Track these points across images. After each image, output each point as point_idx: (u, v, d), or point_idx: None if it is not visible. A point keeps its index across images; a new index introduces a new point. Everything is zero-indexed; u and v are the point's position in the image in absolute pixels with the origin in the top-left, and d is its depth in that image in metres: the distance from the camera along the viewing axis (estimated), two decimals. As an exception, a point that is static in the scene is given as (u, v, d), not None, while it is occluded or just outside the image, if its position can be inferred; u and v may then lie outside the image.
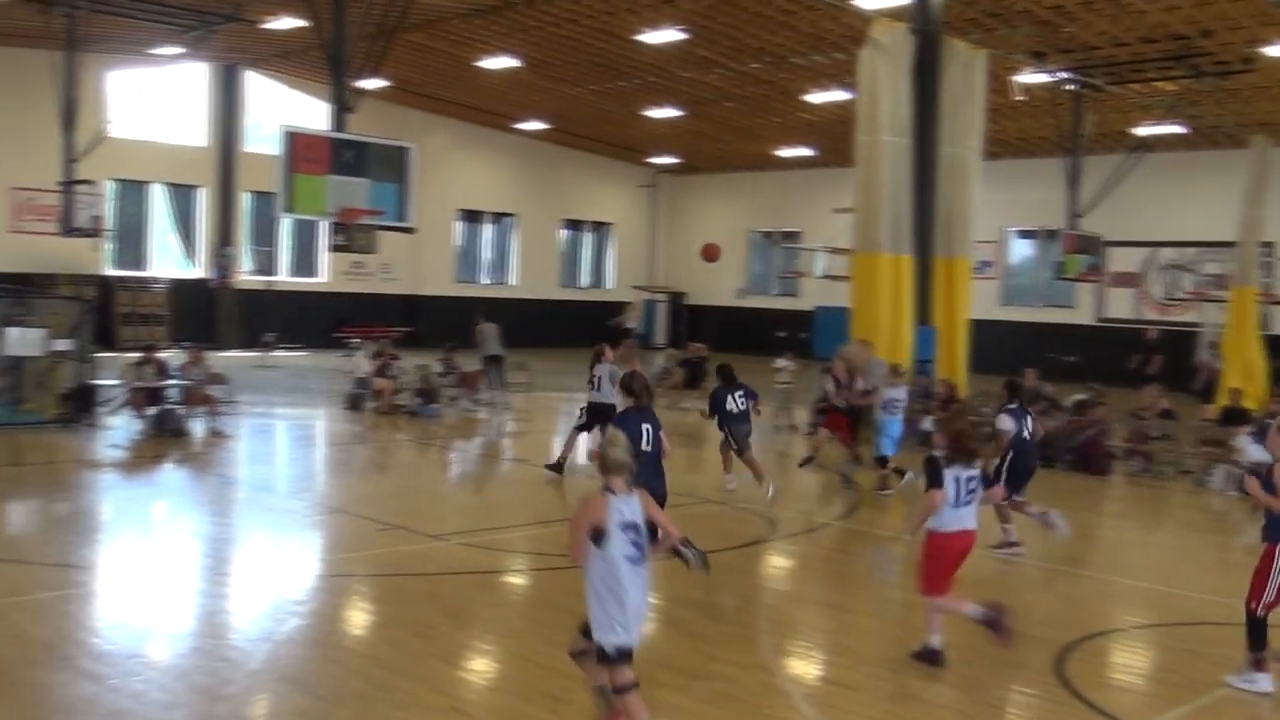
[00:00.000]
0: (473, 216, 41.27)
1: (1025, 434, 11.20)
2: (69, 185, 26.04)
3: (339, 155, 17.41)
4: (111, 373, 18.15)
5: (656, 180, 45.46)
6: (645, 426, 9.03)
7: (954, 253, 20.42)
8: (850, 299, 19.80)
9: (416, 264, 38.80)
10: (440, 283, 39.58)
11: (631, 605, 5.59)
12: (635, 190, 45.17)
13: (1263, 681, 7.45)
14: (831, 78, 27.87)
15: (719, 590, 9.37)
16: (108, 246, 32.09)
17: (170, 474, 14.87)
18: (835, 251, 36.05)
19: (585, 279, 45.00)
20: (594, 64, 29.74)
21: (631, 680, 5.62)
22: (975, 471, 7.63)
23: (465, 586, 9.43)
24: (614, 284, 45.46)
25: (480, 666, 7.64)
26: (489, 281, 42.01)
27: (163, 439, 16.60)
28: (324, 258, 36.87)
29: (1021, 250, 36.71)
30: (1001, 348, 28.13)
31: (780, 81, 29.51)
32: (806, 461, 15.50)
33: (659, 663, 7.72)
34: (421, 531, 11.41)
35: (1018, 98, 25.46)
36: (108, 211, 30.74)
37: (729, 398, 13.48)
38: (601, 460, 5.79)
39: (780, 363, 20.87)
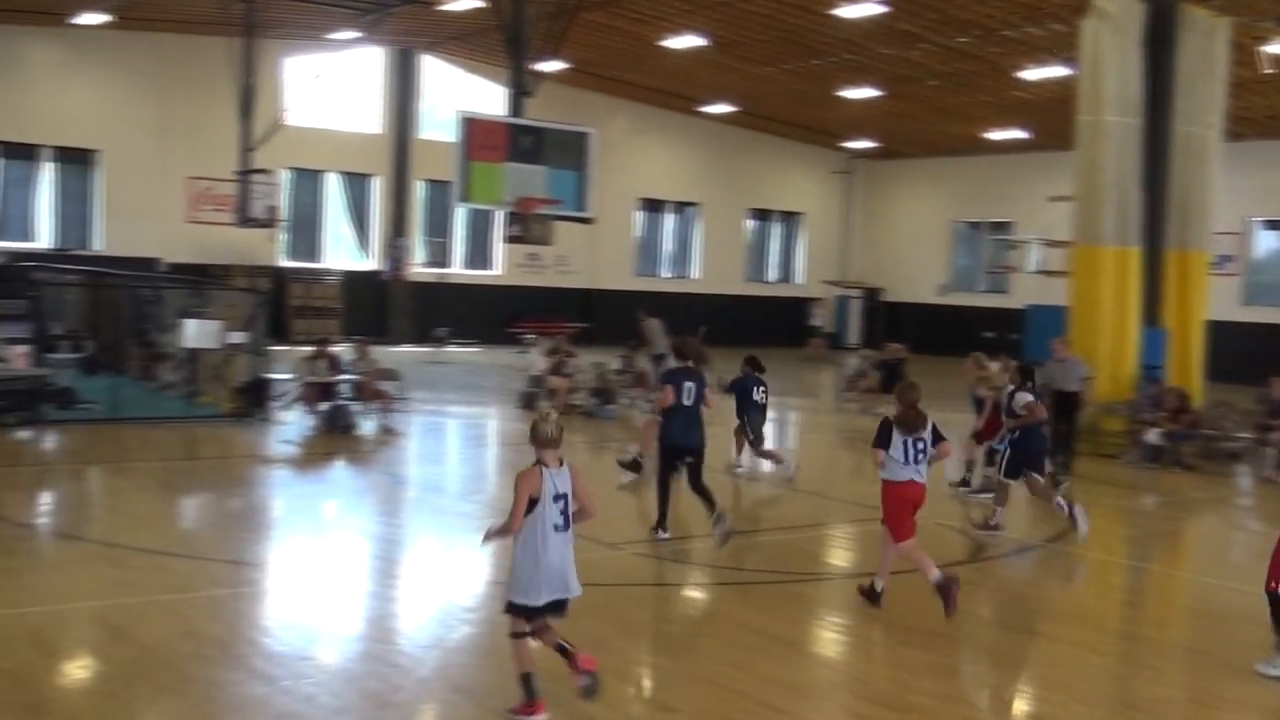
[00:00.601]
0: (654, 206, 41.62)
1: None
2: (245, 175, 27.33)
3: (516, 141, 17.80)
4: (284, 367, 18.99)
5: (851, 166, 44.98)
6: (688, 384, 11.25)
7: (1189, 245, 19.60)
8: (1068, 297, 19.23)
9: (594, 256, 39.35)
10: (619, 276, 40.03)
11: (546, 568, 6.63)
12: (828, 177, 44.78)
13: None
14: (1049, 51, 27.06)
15: (918, 614, 9.21)
16: (282, 237, 33.59)
17: (341, 472, 15.48)
18: (1051, 244, 34.98)
19: (773, 273, 44.85)
20: (786, 41, 29.61)
21: (523, 629, 6.70)
22: (925, 435, 9.14)
23: (641, 599, 9.52)
24: (803, 278, 45.18)
25: (655, 685, 7.71)
26: (670, 275, 42.29)
27: (334, 436, 17.30)
28: (498, 249, 37.76)
29: (1268, 243, 34.93)
30: (1242, 353, 26.77)
31: (990, 57, 28.80)
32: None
33: (849, 688, 7.66)
34: (596, 539, 11.56)
35: (1266, 70, 24.23)
36: (283, 201, 32.19)
37: (755, 388, 14.46)
38: (534, 435, 6.77)
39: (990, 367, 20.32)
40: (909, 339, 32.09)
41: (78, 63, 31.64)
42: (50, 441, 16.13)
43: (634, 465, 14.51)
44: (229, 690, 7.03)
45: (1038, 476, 12.47)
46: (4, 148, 31.20)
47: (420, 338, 34.07)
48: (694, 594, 10.11)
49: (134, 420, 17.47)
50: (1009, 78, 30.30)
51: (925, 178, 43.57)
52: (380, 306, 35.91)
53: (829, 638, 8.90)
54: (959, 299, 41.70)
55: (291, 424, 17.90)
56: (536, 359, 21.85)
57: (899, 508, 9.26)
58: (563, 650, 6.75)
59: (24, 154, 31.53)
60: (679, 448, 11.30)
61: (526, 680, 6.68)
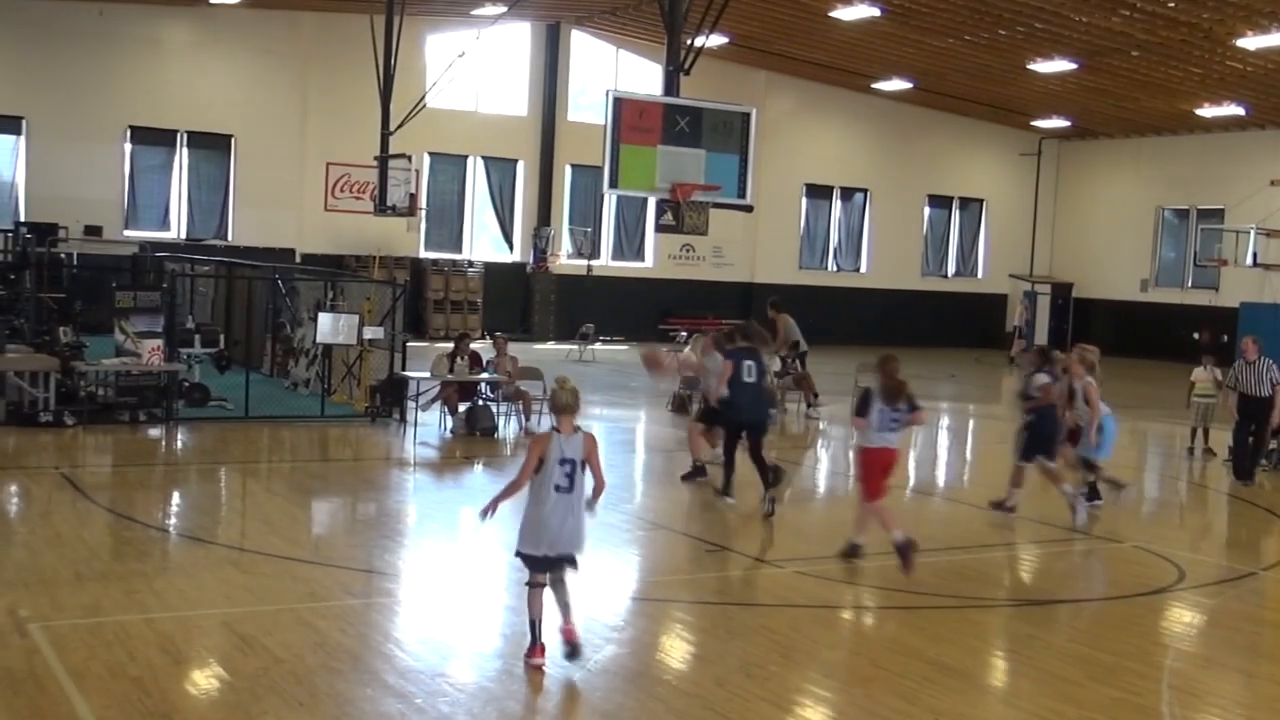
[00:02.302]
0: (820, 192, 41.36)
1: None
2: (385, 160, 27.97)
3: (671, 123, 17.80)
4: (422, 364, 19.39)
5: (1041, 147, 44.00)
6: (748, 363, 13.07)
7: None
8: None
9: (754, 247, 39.34)
10: (781, 269, 39.91)
11: (546, 525, 7.77)
12: (1015, 160, 43.91)
13: None
14: (1271, 17, 26.07)
15: (1107, 647, 8.98)
16: (422, 226, 34.33)
17: (480, 477, 15.75)
18: (1271, 234, 33.73)
19: (952, 266, 44.14)
20: (969, 10, 29.12)
21: (538, 581, 7.89)
22: (901, 406, 10.80)
23: (801, 621, 9.47)
24: (986, 272, 44.41)
25: (816, 716, 7.67)
26: (837, 268, 41.97)
27: (473, 438, 17.60)
28: (650, 240, 37.97)
29: None
30: None
31: (1203, 23, 27.85)
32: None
33: (1031, 728, 7.51)
34: (753, 555, 11.55)
35: None
36: (423, 188, 32.87)
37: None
38: (551, 401, 8.14)
39: (1199, 372, 19.70)
40: (1104, 339, 31.21)
41: (214, 43, 32.89)
42: (181, 440, 16.76)
43: (698, 471, 14.69)
44: (360, 707, 7.21)
45: (1048, 462, 13.34)
46: (138, 133, 32.55)
47: (565, 334, 34.45)
48: (858, 617, 10.02)
49: (266, 419, 18.06)
50: (1224, 46, 29.27)
51: (1125, 160, 42.35)
52: (523, 300, 36.48)
53: (1006, 670, 8.74)
54: (1162, 295, 40.51)
55: (429, 425, 18.26)
56: (690, 358, 21.88)
57: (876, 471, 10.95)
58: (564, 610, 7.92)
59: (158, 139, 32.88)
60: (742, 422, 13.26)
61: (533, 626, 7.91)
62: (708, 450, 14.89)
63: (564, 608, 7.93)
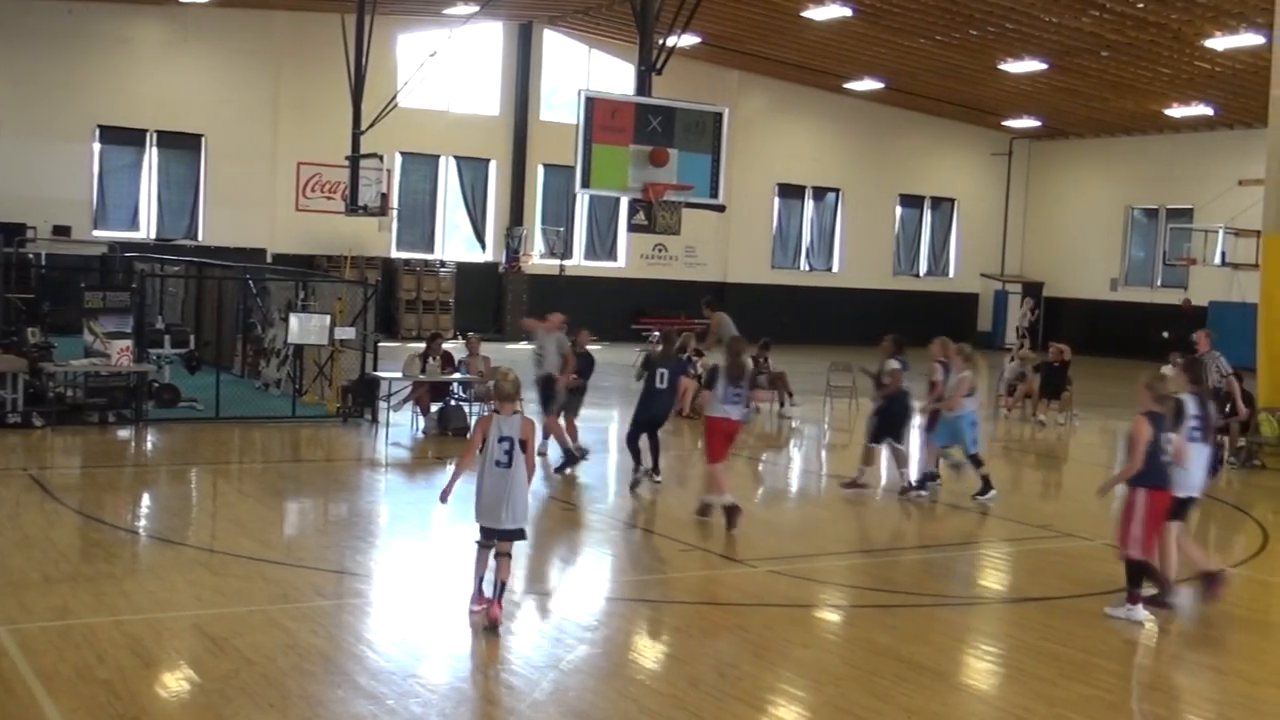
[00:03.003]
0: (792, 192, 41.44)
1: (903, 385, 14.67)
2: (356, 160, 27.88)
3: (644, 123, 17.79)
4: (394, 364, 19.33)
5: (1012, 147, 44.20)
6: (662, 371, 14.34)
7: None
8: (1259, 293, 18.65)
9: (726, 247, 39.37)
10: (753, 268, 40.00)
11: (487, 497, 8.72)
12: (986, 159, 44.11)
13: None
14: (1239, 18, 26.26)
15: (1079, 644, 9.02)
16: (393, 226, 34.21)
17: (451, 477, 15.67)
18: (1239, 233, 33.97)
19: (924, 265, 44.29)
20: (940, 10, 29.22)
21: (484, 543, 8.90)
22: (743, 385, 12.53)
23: (775, 621, 9.48)
24: (957, 271, 44.57)
25: (790, 715, 7.67)
26: (809, 268, 42.06)
27: (446, 438, 17.56)
28: (622, 239, 37.97)
29: None
30: None
31: (1172, 24, 28.03)
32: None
33: (1003, 726, 7.53)
34: (726, 555, 11.56)
35: None
36: (394, 188, 32.76)
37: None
38: (495, 390, 9.02)
39: (1166, 369, 19.81)
40: (1075, 338, 31.37)
41: (184, 42, 32.72)
42: (151, 441, 16.66)
43: (570, 460, 15.53)
44: (332, 709, 7.17)
45: (898, 444, 14.72)
46: (107, 132, 32.34)
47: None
48: (832, 616, 10.03)
49: (237, 419, 17.98)
50: (1193, 47, 29.47)
51: (1095, 160, 42.59)
52: (496, 300, 36.41)
53: (979, 668, 8.76)
54: (1132, 294, 40.76)
55: (401, 425, 18.21)
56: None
57: (720, 438, 12.55)
58: (497, 588, 8.74)
59: (127, 139, 32.68)
60: (649, 421, 14.59)
61: (476, 580, 8.99)
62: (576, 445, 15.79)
63: (498, 586, 8.73)
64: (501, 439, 8.68)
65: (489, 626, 8.57)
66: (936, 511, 14.17)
